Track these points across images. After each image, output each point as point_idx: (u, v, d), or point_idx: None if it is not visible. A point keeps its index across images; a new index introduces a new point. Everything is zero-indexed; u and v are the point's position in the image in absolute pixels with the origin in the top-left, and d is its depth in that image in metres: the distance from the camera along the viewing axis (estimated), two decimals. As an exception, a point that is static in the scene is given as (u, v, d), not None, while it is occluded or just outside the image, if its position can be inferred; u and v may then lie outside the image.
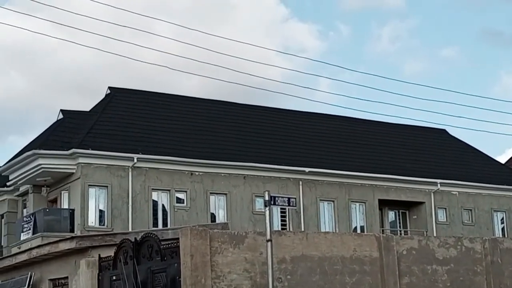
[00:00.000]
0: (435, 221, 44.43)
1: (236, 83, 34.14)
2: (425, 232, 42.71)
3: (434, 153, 48.16)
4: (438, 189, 44.72)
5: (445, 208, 45.00)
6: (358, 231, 40.96)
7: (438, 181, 44.69)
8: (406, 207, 44.95)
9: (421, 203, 44.54)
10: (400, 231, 44.28)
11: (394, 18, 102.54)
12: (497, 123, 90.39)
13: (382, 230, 42.34)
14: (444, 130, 51.41)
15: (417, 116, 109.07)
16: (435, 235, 40.56)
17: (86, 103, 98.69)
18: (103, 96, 41.73)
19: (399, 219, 45.26)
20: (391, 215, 45.12)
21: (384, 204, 43.89)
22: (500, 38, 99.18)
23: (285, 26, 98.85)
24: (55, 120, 40.25)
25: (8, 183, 39.50)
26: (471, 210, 45.82)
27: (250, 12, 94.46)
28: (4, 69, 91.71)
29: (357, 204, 42.39)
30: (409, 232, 43.68)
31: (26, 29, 29.74)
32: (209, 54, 28.03)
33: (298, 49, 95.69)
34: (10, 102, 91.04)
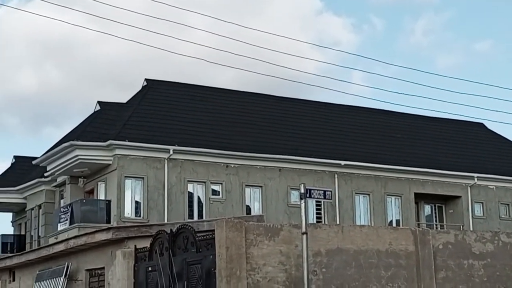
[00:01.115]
0: (472, 216, 44.07)
1: (270, 76, 34.02)
2: (461, 227, 42.38)
3: (471, 146, 47.74)
4: (475, 183, 44.35)
5: (482, 203, 44.62)
6: (394, 225, 40.75)
7: (475, 175, 44.31)
8: (442, 201, 44.63)
9: (458, 197, 44.21)
10: (436, 225, 43.99)
11: (428, 11, 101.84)
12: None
13: (418, 224, 42.08)
14: (482, 124, 50.93)
15: (454, 110, 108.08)
16: (471, 229, 40.22)
17: (121, 96, 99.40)
18: (138, 88, 41.91)
19: (435, 213, 44.95)
20: (427, 209, 44.84)
21: (420, 198, 43.62)
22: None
23: (319, 19, 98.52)
24: (91, 112, 40.53)
25: (45, 174, 39.87)
26: (508, 204, 45.40)
27: (284, 5, 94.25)
28: (41, 62, 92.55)
29: (393, 197, 42.18)
30: (445, 226, 43.38)
31: (62, 21, 30.00)
32: (243, 47, 28.03)
33: (332, 43, 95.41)
34: (47, 94, 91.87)
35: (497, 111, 57.39)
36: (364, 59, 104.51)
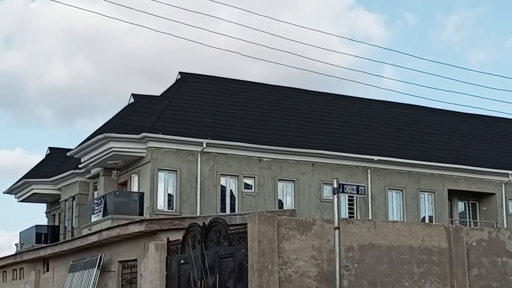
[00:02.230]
0: (506, 213, 43.73)
1: (301, 69, 33.87)
2: (495, 224, 42.07)
3: (505, 143, 47.32)
4: (509, 180, 43.98)
5: (517, 200, 44.25)
6: (427, 221, 40.57)
7: (510, 172, 43.95)
8: (476, 198, 44.33)
9: (492, 194, 43.88)
10: (470, 222, 43.70)
11: (459, 7, 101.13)
12: None
13: (451, 221, 41.83)
14: (517, 121, 50.47)
15: (488, 105, 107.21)
16: (505, 227, 39.91)
17: (152, 88, 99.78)
18: (168, 80, 42.10)
19: (469, 210, 44.66)
20: (460, 205, 44.56)
21: (454, 195, 43.36)
22: None
23: (350, 14, 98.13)
24: (121, 104, 40.78)
25: (79, 166, 40.18)
26: (543, 202, 44.98)
27: (314, 0, 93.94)
28: (72, 54, 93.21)
29: (426, 193, 41.98)
30: (478, 223, 43.07)
31: (94, 12, 30.00)
32: (272, 40, 27.95)
33: (363, 38, 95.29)
34: (78, 87, 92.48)
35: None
36: (395, 55, 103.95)
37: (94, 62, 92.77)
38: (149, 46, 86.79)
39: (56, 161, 45.56)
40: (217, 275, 20.18)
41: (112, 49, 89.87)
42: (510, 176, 43.91)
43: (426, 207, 41.93)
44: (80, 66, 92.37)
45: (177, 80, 41.87)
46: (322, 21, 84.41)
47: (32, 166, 47.44)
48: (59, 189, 44.09)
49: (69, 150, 41.09)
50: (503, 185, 43.93)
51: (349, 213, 39.37)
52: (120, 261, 27.30)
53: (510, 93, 47.45)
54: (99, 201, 36.65)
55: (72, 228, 42.20)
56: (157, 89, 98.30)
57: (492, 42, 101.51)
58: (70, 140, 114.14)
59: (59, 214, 45.05)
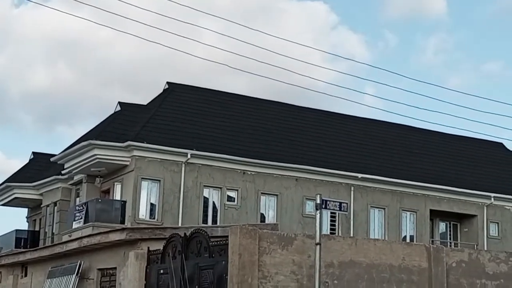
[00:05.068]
0: (487, 235, 43.85)
1: (285, 83, 33.91)
2: (475, 246, 42.16)
3: (489, 166, 47.51)
4: (491, 202, 44.13)
5: (498, 223, 44.38)
6: (408, 240, 40.61)
7: (492, 194, 44.10)
8: (457, 219, 44.44)
9: (473, 216, 44.01)
10: (450, 243, 43.78)
11: (439, 30, 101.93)
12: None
13: (432, 241, 41.91)
14: (501, 144, 50.68)
15: (474, 128, 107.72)
16: (486, 249, 40.02)
17: (134, 97, 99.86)
18: (151, 90, 42.21)
19: (450, 231, 44.76)
20: (442, 226, 44.66)
21: (436, 215, 43.46)
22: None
23: (334, 33, 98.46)
24: (103, 112, 40.95)
25: (63, 172, 40.03)
26: (524, 226, 45.13)
27: (298, 16, 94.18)
28: (54, 60, 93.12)
29: (408, 213, 42.05)
30: (459, 244, 43.15)
31: (78, 17, 30.02)
32: (258, 54, 28.02)
33: (345, 58, 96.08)
34: (60, 93, 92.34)
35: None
36: (376, 76, 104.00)
37: (76, 69, 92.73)
38: (131, 54, 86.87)
39: (39, 166, 45.36)
40: (196, 286, 20.15)
41: (94, 56, 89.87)
42: (492, 198, 44.07)
43: (408, 226, 42.00)
44: (61, 73, 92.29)
45: (164, 90, 41.84)
46: (305, 38, 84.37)
47: (12, 171, 47.26)
48: (41, 194, 43.87)
49: (53, 155, 40.94)
50: (485, 207, 44.08)
51: (331, 229, 39.39)
52: (99, 269, 27.20)
53: (493, 116, 47.64)
54: (81, 207, 36.51)
55: (53, 234, 41.98)
56: (138, 98, 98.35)
57: (470, 66, 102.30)
58: (50, 146, 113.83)
59: (40, 220, 44.82)
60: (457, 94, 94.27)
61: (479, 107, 47.29)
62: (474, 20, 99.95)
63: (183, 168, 36.61)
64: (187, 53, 31.53)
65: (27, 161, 47.82)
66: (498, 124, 52.32)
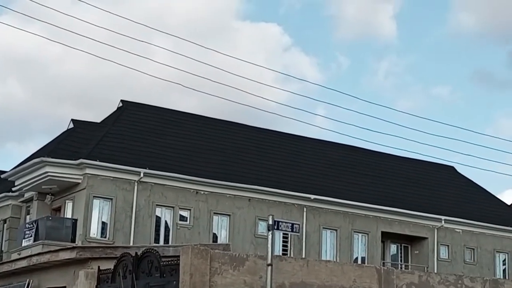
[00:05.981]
0: (437, 258, 44.26)
1: (237, 103, 34.11)
2: (425, 268, 42.52)
3: (440, 189, 48.04)
4: (442, 225, 44.58)
5: (448, 245, 44.82)
6: (359, 262, 40.80)
7: (443, 217, 44.56)
8: (408, 241, 44.80)
9: (424, 238, 44.41)
10: (401, 265, 44.09)
11: (389, 53, 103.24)
12: (501, 163, 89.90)
13: (383, 263, 42.16)
14: (452, 167, 51.28)
15: (425, 151, 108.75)
16: (435, 271, 40.36)
17: (86, 114, 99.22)
18: (102, 107, 42.16)
19: (401, 253, 45.08)
20: (393, 248, 44.97)
21: (387, 237, 43.76)
22: (492, 79, 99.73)
23: (286, 54, 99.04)
24: (53, 129, 40.63)
25: (13, 189, 39.55)
26: (473, 249, 45.60)
27: (251, 37, 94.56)
28: (5, 76, 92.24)
29: (360, 234, 42.29)
30: (410, 266, 43.47)
31: (29, 32, 29.84)
32: (210, 73, 28.18)
33: (297, 79, 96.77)
34: (10, 110, 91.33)
35: (468, 155, 57.81)
36: (328, 97, 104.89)
37: (27, 86, 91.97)
38: (84, 71, 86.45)
39: (-11, 183, 44.72)
40: (147, 306, 19.98)
41: (46, 73, 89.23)
42: (443, 221, 44.52)
43: (359, 248, 42.22)
44: (12, 89, 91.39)
45: (118, 108, 41.67)
46: (258, 59, 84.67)
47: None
48: (-10, 211, 43.28)
49: (2, 172, 40.46)
50: (436, 230, 44.50)
51: (283, 250, 39.44)
52: (48, 288, 26.86)
53: (444, 139, 48.22)
54: (31, 225, 36.08)
55: (1, 251, 41.39)
56: (91, 115, 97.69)
57: (419, 89, 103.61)
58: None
59: (-11, 237, 44.17)
60: (408, 117, 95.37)
61: (430, 131, 47.80)
62: (423, 44, 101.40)
63: (135, 187, 36.43)
64: (140, 71, 31.55)
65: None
66: (450, 148, 52.80)
